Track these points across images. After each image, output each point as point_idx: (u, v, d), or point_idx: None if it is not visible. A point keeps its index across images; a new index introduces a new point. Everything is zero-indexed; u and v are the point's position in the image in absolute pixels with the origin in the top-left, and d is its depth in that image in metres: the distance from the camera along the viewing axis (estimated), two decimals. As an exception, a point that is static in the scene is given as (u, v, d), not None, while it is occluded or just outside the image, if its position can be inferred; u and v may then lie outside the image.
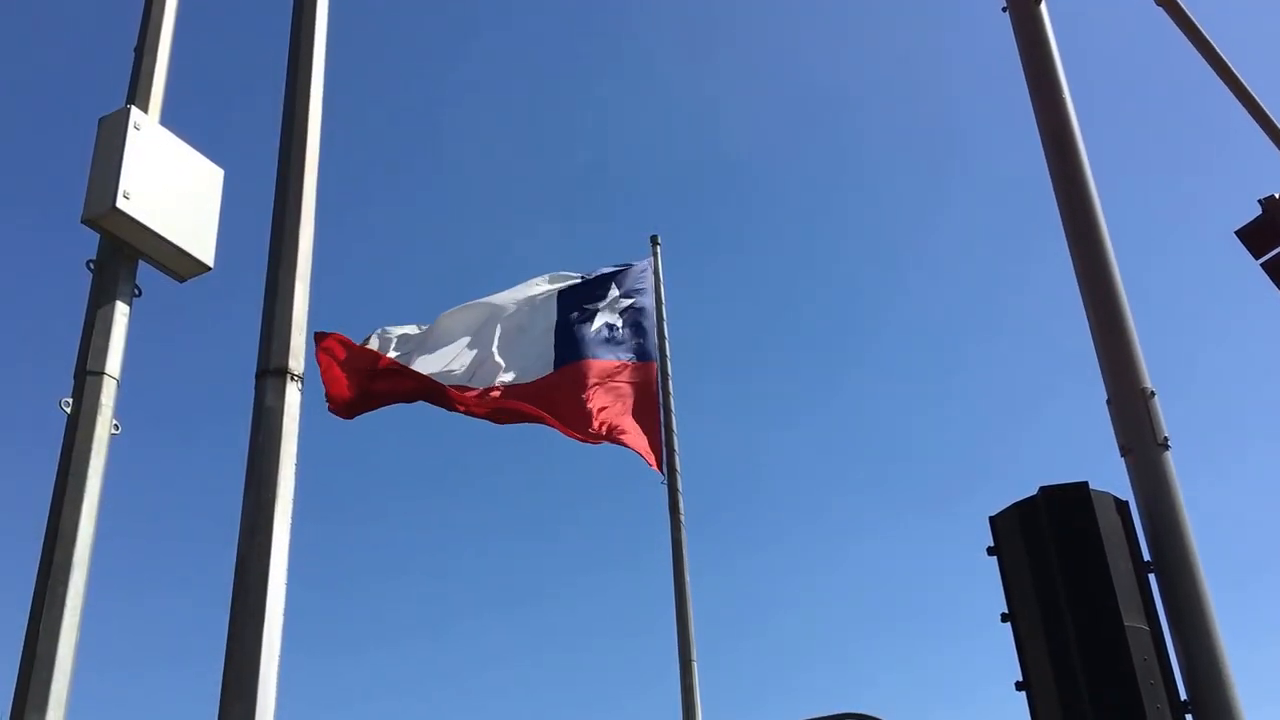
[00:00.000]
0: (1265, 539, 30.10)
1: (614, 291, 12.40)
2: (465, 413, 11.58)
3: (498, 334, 12.04)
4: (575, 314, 12.18)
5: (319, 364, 11.26)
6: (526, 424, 11.63)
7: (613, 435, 11.43)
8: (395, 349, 11.82)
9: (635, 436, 11.51)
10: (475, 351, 11.94)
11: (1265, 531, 30.01)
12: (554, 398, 11.64)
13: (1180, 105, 32.68)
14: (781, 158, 34.27)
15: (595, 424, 11.46)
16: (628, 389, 11.76)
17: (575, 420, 11.50)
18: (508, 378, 11.78)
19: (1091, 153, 6.36)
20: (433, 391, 11.56)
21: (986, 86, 32.07)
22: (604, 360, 11.90)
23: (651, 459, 11.45)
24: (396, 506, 31.84)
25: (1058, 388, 32.08)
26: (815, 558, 31.23)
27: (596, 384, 11.70)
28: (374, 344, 11.83)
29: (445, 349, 11.89)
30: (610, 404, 11.61)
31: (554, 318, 12.19)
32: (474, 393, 11.61)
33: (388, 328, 12.04)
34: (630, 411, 11.64)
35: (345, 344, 11.49)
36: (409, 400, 11.63)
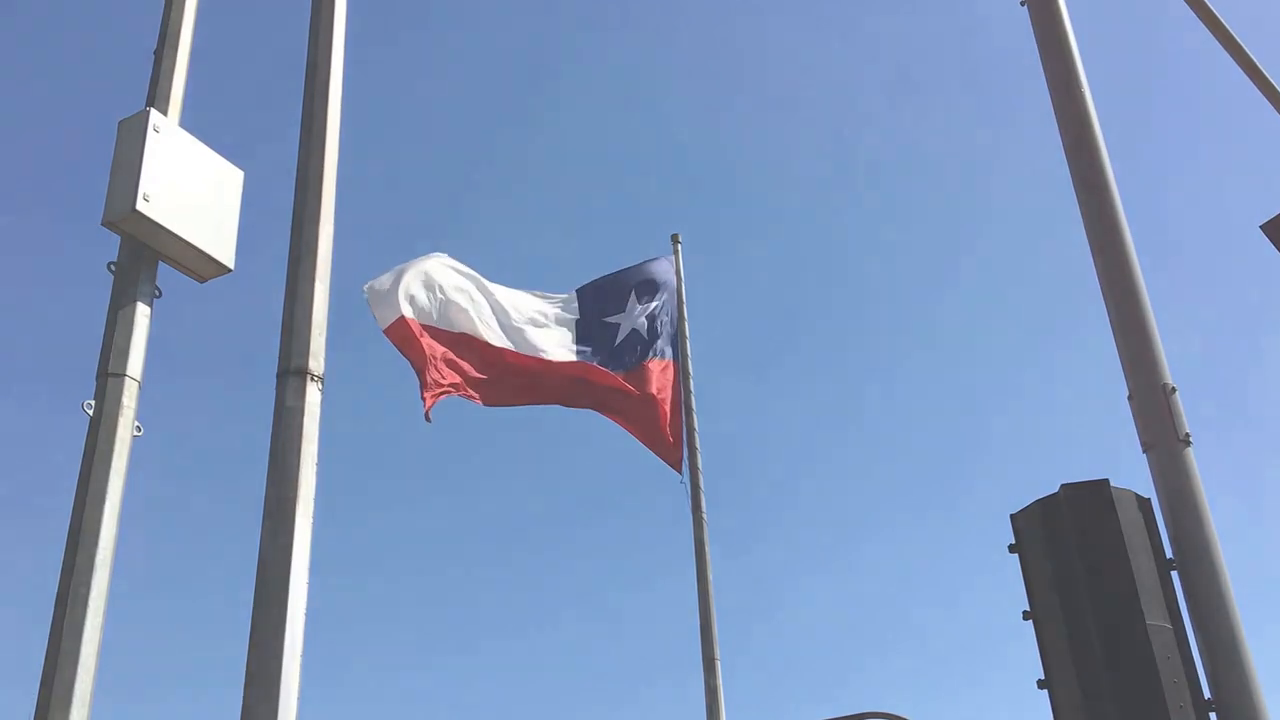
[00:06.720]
0: (1291, 535, 29.86)
1: (633, 302, 12.36)
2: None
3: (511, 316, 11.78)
4: (597, 322, 12.13)
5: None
6: (529, 406, 11.59)
7: (635, 424, 11.53)
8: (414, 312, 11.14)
9: (654, 435, 11.57)
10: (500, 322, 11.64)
11: (1291, 528, 29.73)
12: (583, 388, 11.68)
13: (1203, 98, 32.44)
14: (798, 157, 34.19)
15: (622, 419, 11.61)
16: (647, 390, 11.78)
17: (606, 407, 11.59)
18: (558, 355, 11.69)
19: (1112, 147, 6.33)
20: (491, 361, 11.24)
21: (1005, 80, 31.94)
22: (629, 367, 11.91)
23: (673, 459, 11.49)
24: (411, 506, 31.89)
25: (1079, 384, 31.91)
26: (835, 556, 31.13)
27: (621, 388, 11.73)
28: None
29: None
30: (631, 405, 11.65)
31: (575, 319, 12.15)
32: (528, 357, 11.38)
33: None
34: (652, 412, 11.68)
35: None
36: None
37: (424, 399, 10.48)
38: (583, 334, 12.05)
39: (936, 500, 30.95)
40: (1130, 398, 5.68)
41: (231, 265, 5.48)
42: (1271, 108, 9.04)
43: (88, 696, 4.34)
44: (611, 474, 31.56)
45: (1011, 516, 5.39)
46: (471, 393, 10.97)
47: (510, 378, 11.39)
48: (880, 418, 32.37)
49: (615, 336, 12.10)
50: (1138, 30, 30.53)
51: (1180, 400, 5.57)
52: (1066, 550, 5.13)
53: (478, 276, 11.67)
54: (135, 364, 5.00)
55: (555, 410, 12.08)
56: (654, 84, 33.58)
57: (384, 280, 11.02)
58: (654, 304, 12.39)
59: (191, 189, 5.37)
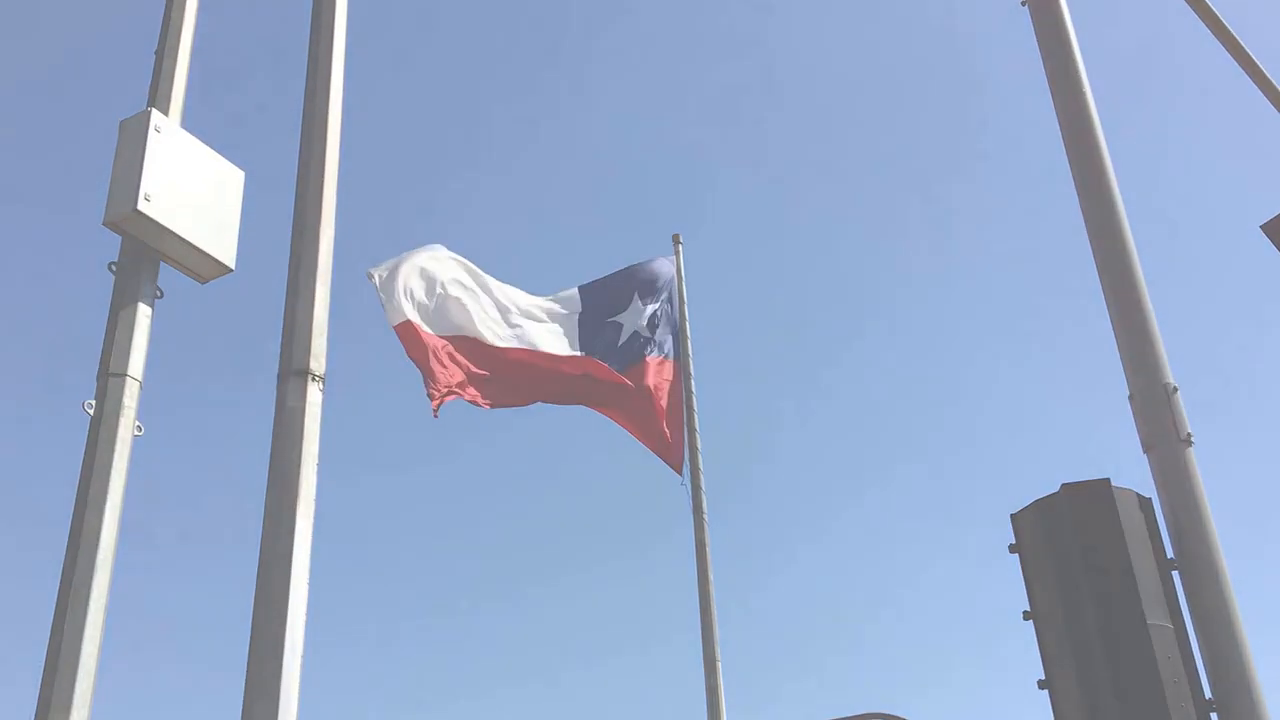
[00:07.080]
0: (1292, 535, 29.81)
1: (636, 301, 12.36)
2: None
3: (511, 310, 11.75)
4: (601, 321, 12.12)
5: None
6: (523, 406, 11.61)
7: (636, 425, 11.56)
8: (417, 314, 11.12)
9: (652, 432, 11.59)
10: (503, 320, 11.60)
11: (1292, 527, 29.69)
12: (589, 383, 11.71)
13: (1203, 97, 32.41)
14: (798, 157, 34.20)
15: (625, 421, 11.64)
16: (644, 384, 11.79)
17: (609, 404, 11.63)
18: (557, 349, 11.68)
19: (1112, 145, 6.33)
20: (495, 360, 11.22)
21: (1006, 80, 31.93)
22: (629, 364, 11.91)
23: (673, 459, 11.50)
24: (411, 506, 31.87)
25: (1079, 384, 31.90)
26: (835, 555, 31.14)
27: (621, 383, 11.73)
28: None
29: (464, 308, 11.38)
30: (630, 402, 11.67)
31: (577, 312, 12.14)
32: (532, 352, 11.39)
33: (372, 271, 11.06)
34: (649, 408, 11.69)
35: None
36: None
37: (431, 395, 10.50)
38: (586, 332, 12.05)
39: (937, 501, 30.94)
40: (1130, 398, 5.68)
41: (232, 265, 5.49)
42: (1272, 107, 9.04)
43: (88, 698, 4.34)
44: (612, 473, 31.55)
45: (1011, 516, 5.39)
46: (475, 392, 10.98)
47: (512, 376, 11.39)
48: (881, 419, 32.37)
49: (619, 336, 12.10)
50: (1138, 30, 30.53)
51: (1181, 399, 5.57)
52: (1066, 550, 5.13)
53: (477, 270, 11.67)
54: (136, 364, 5.01)
55: (556, 409, 12.10)
56: (655, 83, 33.60)
57: (384, 269, 11.01)
58: (656, 304, 12.40)
59: (192, 189, 5.38)
